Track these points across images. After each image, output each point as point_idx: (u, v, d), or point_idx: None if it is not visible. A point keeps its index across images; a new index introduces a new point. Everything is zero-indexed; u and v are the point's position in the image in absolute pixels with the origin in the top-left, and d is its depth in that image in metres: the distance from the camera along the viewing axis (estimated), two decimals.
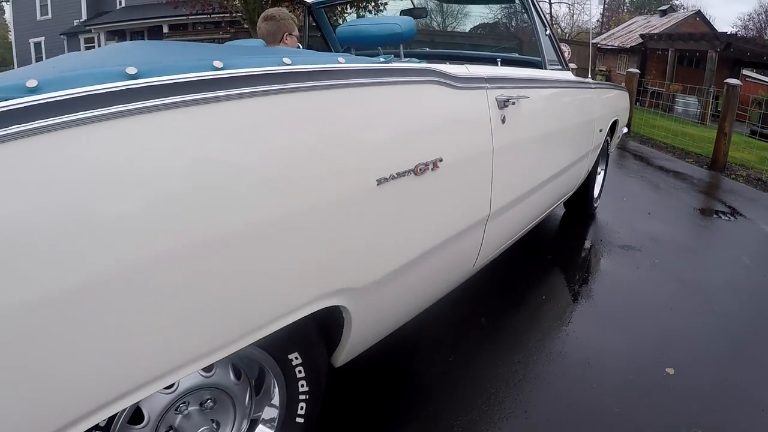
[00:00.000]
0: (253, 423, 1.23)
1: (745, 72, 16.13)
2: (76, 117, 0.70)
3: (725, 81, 6.26)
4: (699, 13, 21.33)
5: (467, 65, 1.60)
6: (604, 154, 3.69)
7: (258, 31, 2.37)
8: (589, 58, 4.39)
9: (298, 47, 2.49)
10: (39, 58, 24.48)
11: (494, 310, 2.31)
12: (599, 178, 3.78)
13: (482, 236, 1.69)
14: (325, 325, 1.21)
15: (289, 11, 2.40)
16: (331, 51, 3.26)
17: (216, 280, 0.86)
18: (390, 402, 1.68)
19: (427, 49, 3.06)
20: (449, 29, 3.23)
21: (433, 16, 3.22)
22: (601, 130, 3.11)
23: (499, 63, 2.24)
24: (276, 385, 1.20)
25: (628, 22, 23.61)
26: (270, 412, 1.22)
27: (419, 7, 3.02)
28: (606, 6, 39.60)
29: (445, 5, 3.20)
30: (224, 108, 0.87)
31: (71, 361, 0.71)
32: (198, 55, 1.01)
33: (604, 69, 19.78)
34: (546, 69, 2.37)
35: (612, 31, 23.61)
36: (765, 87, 14.92)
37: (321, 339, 1.22)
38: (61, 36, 24.22)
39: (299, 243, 0.99)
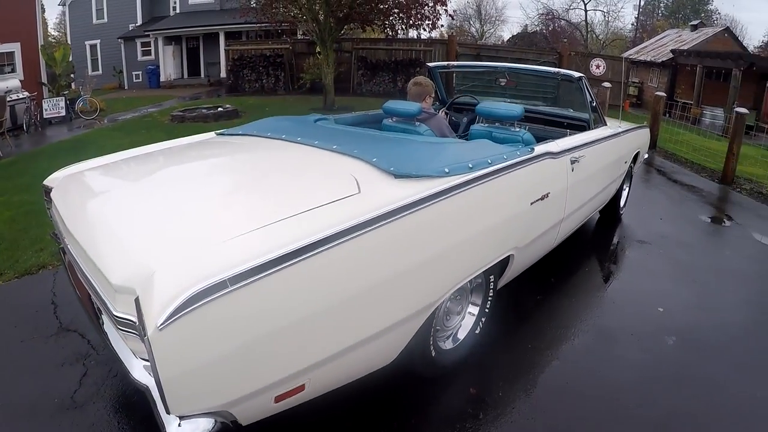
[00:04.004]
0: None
1: None
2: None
3: (734, 110, 7.57)
4: (728, 30, 22.44)
5: (557, 141, 3.15)
6: (628, 176, 5.19)
7: (408, 92, 3.58)
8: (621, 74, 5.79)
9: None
10: (95, 59, 26.49)
11: (558, 273, 3.89)
12: (624, 193, 5.27)
13: (559, 227, 3.25)
14: (501, 264, 2.77)
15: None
16: (441, 100, 4.85)
17: (482, 246, 2.44)
18: (505, 304, 3.27)
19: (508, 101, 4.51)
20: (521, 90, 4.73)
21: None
22: (626, 162, 4.60)
23: (568, 133, 3.77)
24: (481, 290, 2.77)
25: (661, 36, 24.70)
26: (476, 301, 2.80)
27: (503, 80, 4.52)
28: (640, 11, 40.26)
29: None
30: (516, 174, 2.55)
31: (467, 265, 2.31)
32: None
33: (637, 81, 20.83)
34: (591, 129, 3.89)
35: (645, 44, 24.75)
36: None
37: (499, 271, 2.79)
38: (118, 39, 25.30)
39: (507, 227, 2.56)
